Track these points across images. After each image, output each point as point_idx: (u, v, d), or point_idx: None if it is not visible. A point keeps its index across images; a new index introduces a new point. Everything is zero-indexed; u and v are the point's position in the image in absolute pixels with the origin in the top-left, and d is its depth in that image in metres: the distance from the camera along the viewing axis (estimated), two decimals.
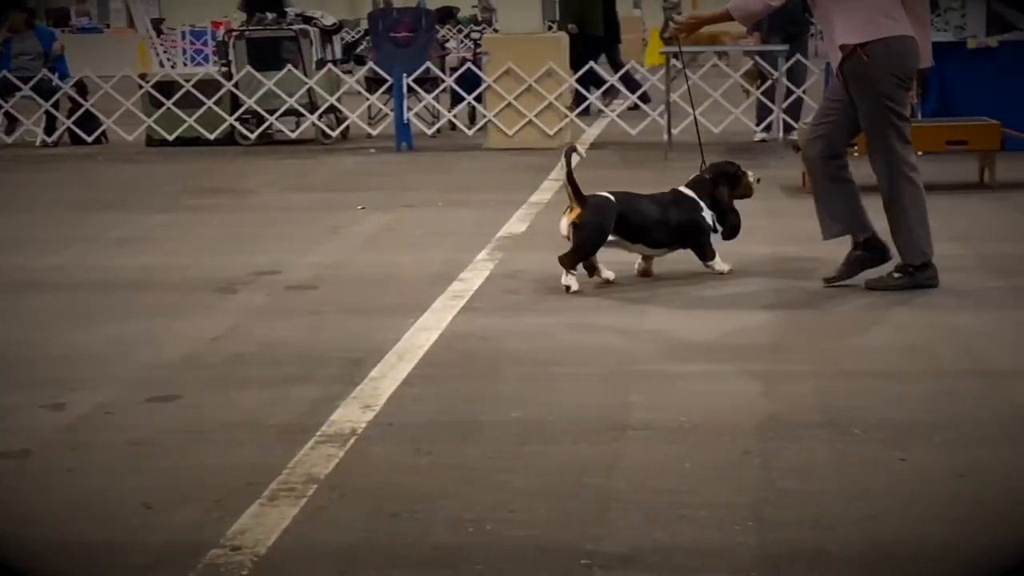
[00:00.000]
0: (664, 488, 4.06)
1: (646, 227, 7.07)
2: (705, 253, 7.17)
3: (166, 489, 4.18)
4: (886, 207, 6.73)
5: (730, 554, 3.57)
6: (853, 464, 4.21)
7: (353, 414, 4.89)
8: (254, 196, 10.89)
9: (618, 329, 6.05)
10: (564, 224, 6.94)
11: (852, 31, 6.57)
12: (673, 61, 13.45)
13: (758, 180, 7.42)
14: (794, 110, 13.48)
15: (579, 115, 14.84)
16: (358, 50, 17.96)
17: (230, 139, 14.49)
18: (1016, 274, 6.98)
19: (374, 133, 14.69)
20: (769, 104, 13.55)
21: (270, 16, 15.13)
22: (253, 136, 14.49)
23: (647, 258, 7.25)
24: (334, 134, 14.62)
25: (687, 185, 7.28)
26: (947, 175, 10.51)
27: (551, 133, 13.64)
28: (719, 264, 7.18)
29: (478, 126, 14.36)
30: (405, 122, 13.87)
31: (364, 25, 21.57)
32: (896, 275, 6.75)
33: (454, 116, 14.79)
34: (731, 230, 7.25)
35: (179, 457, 4.51)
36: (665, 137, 12.87)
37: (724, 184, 7.26)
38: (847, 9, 6.60)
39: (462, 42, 26.02)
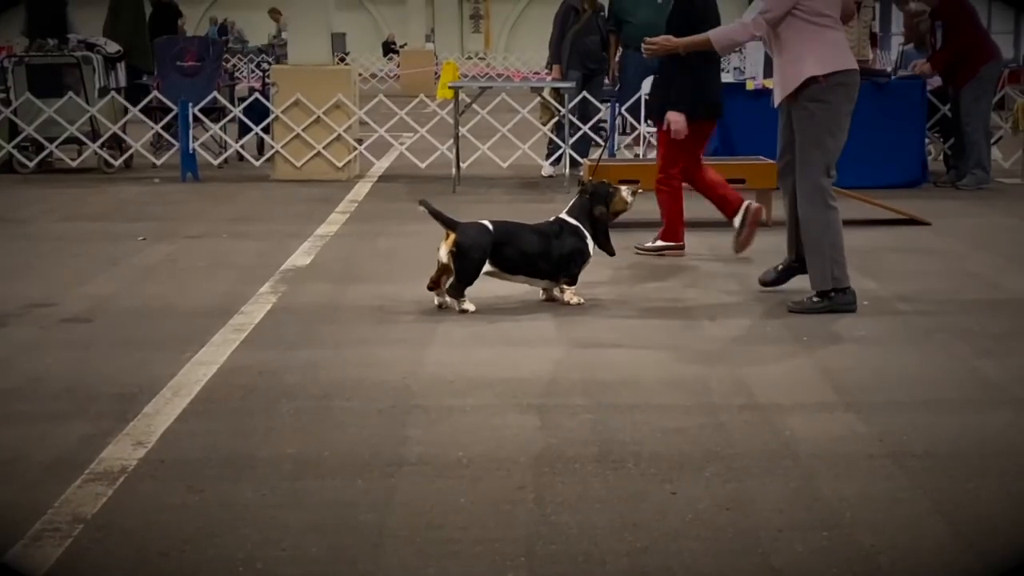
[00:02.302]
0: (438, 524, 4.05)
1: (525, 257, 7.15)
2: (571, 279, 7.30)
3: None
4: (802, 231, 7.21)
5: None
6: (625, 498, 4.27)
7: (124, 451, 4.77)
8: (30, 225, 10.57)
9: (398, 363, 6.02)
10: (443, 252, 7.01)
11: (820, 63, 7.04)
12: (462, 96, 13.55)
13: (633, 193, 7.55)
14: (582, 146, 13.69)
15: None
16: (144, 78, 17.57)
17: (8, 167, 14.05)
18: (787, 311, 7.17)
19: (159, 163, 14.42)
20: (557, 140, 13.74)
21: (51, 42, 14.74)
22: (32, 164, 14.08)
23: (545, 288, 7.37)
24: (117, 163, 14.31)
25: (568, 212, 7.37)
26: None
27: (339, 165, 13.59)
28: (570, 295, 7.30)
29: (265, 157, 14.22)
30: (191, 152, 13.66)
31: None
32: (815, 299, 7.17)
33: (241, 147, 14.62)
34: (605, 242, 7.41)
35: None
36: (453, 171, 12.94)
37: (600, 203, 7.37)
38: (816, 44, 7.07)
39: (252, 72, 25.80)
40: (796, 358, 6.15)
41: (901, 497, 4.29)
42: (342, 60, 28.91)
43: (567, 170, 13.06)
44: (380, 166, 14.69)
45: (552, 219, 7.41)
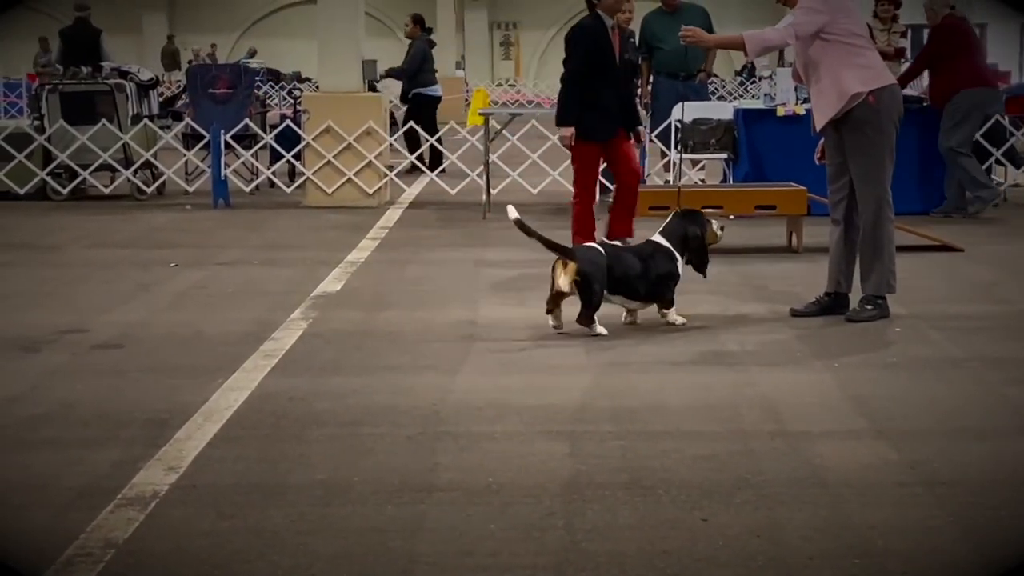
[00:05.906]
0: (468, 550, 4.05)
1: (628, 279, 7.22)
2: (667, 303, 7.36)
3: None
4: (864, 242, 7.44)
5: None
6: (654, 524, 4.26)
7: (156, 476, 4.79)
8: (61, 252, 10.65)
9: (427, 390, 6.03)
10: (565, 282, 7.05)
11: (861, 80, 7.26)
12: (492, 122, 13.58)
13: (722, 228, 7.61)
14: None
15: None
16: (176, 105, 17.70)
17: (41, 194, 14.17)
18: (817, 337, 7.17)
19: (191, 190, 14.52)
20: None
21: (85, 69, 14.86)
22: (65, 191, 14.19)
23: (632, 310, 7.42)
24: (149, 190, 14.40)
25: (661, 233, 7.43)
26: (757, 239, 10.79)
27: (370, 192, 13.64)
28: (674, 316, 7.37)
29: (297, 184, 14.28)
30: (222, 179, 13.73)
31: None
32: (868, 307, 7.49)
33: (273, 173, 14.69)
34: (702, 266, 7.50)
35: None
36: (484, 197, 12.96)
37: (695, 226, 7.45)
38: (854, 64, 7.29)
39: (284, 99, 25.91)
40: (826, 384, 6.13)
41: (932, 525, 4.27)
42: (372, 87, 28.99)
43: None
44: (411, 193, 14.74)
45: (645, 241, 7.49)
